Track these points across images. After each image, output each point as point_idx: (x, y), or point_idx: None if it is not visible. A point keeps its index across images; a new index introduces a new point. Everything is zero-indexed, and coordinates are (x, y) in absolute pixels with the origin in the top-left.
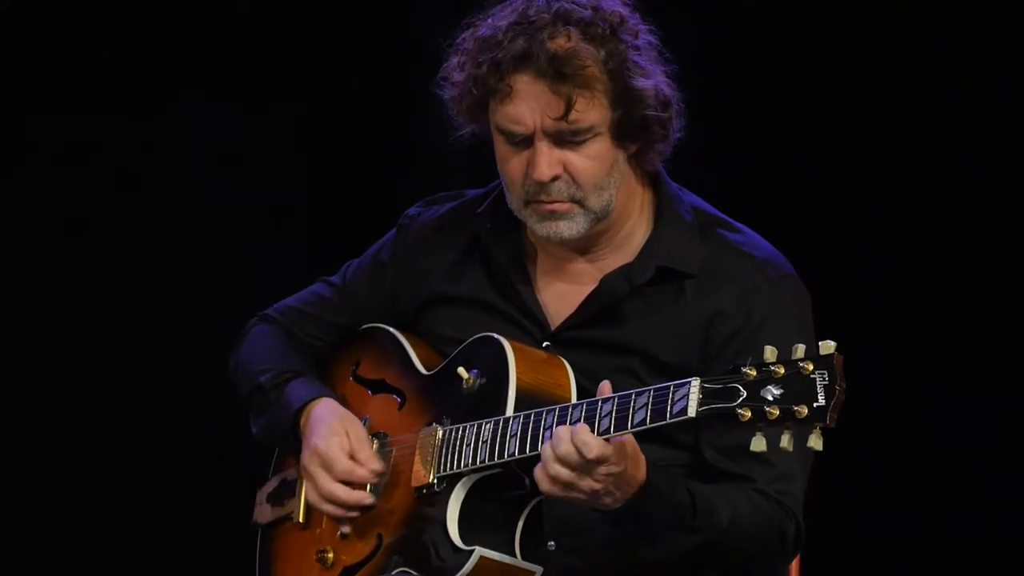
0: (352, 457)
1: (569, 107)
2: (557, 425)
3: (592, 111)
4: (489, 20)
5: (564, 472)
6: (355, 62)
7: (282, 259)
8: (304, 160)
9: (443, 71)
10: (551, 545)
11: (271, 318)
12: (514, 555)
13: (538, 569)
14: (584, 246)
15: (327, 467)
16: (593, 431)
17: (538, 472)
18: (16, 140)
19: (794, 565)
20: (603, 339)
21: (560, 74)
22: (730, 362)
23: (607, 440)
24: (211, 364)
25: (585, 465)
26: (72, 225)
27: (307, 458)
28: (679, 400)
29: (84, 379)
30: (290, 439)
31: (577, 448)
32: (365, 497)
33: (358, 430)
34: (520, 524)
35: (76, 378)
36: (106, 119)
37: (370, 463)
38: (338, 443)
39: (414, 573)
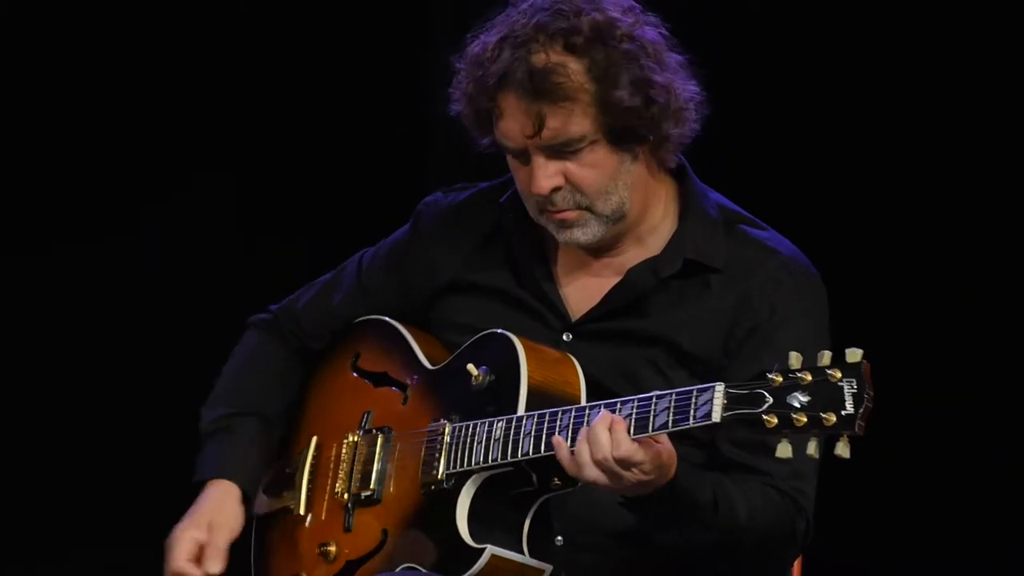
0: (196, 557)
1: (541, 125)
2: (588, 423)
3: (575, 123)
4: (482, 35)
5: (600, 477)
6: (360, 57)
7: (283, 256)
8: (304, 157)
9: (453, 86)
10: (558, 540)
11: (267, 323)
12: (523, 553)
13: (547, 567)
14: (606, 243)
15: (169, 554)
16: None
17: (570, 469)
18: (14, 139)
19: (796, 565)
20: (627, 330)
21: (536, 91)
22: (751, 355)
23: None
24: (206, 359)
25: (616, 467)
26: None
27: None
28: (702, 405)
29: (79, 377)
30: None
31: (612, 450)
32: None
33: (220, 532)
34: (527, 522)
35: (71, 376)
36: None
37: (210, 566)
38: (191, 537)
39: (421, 569)
